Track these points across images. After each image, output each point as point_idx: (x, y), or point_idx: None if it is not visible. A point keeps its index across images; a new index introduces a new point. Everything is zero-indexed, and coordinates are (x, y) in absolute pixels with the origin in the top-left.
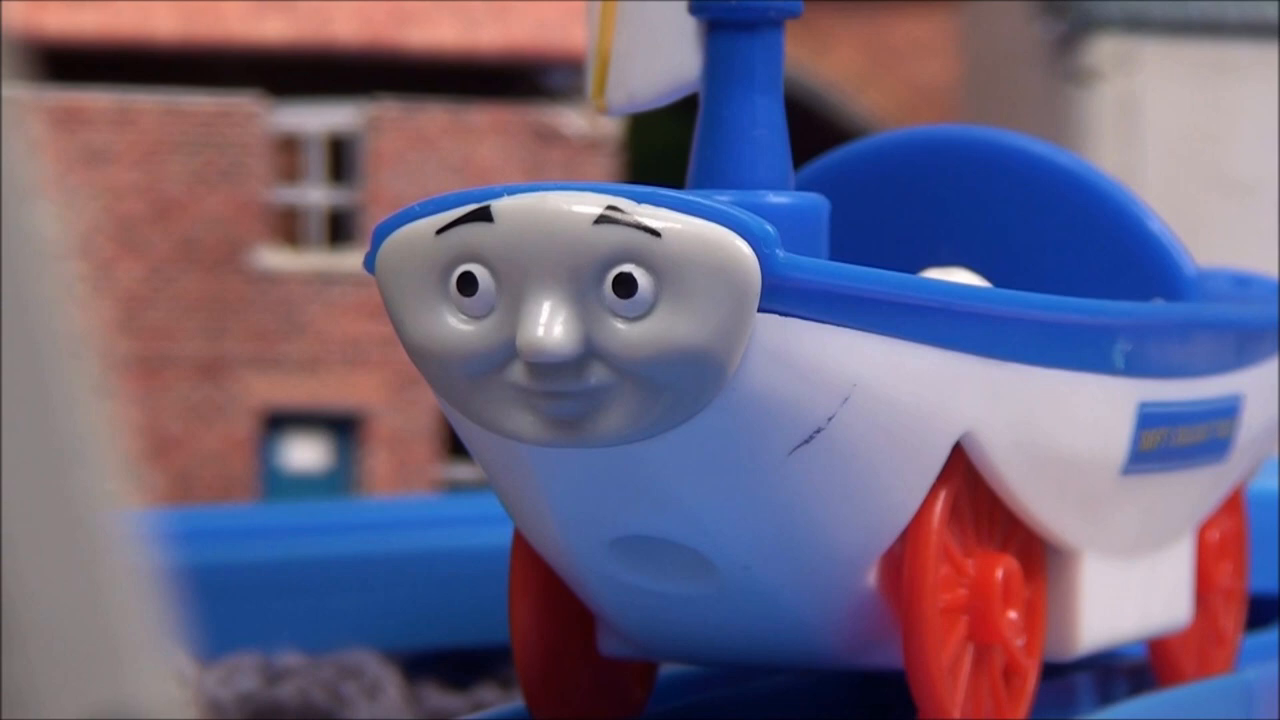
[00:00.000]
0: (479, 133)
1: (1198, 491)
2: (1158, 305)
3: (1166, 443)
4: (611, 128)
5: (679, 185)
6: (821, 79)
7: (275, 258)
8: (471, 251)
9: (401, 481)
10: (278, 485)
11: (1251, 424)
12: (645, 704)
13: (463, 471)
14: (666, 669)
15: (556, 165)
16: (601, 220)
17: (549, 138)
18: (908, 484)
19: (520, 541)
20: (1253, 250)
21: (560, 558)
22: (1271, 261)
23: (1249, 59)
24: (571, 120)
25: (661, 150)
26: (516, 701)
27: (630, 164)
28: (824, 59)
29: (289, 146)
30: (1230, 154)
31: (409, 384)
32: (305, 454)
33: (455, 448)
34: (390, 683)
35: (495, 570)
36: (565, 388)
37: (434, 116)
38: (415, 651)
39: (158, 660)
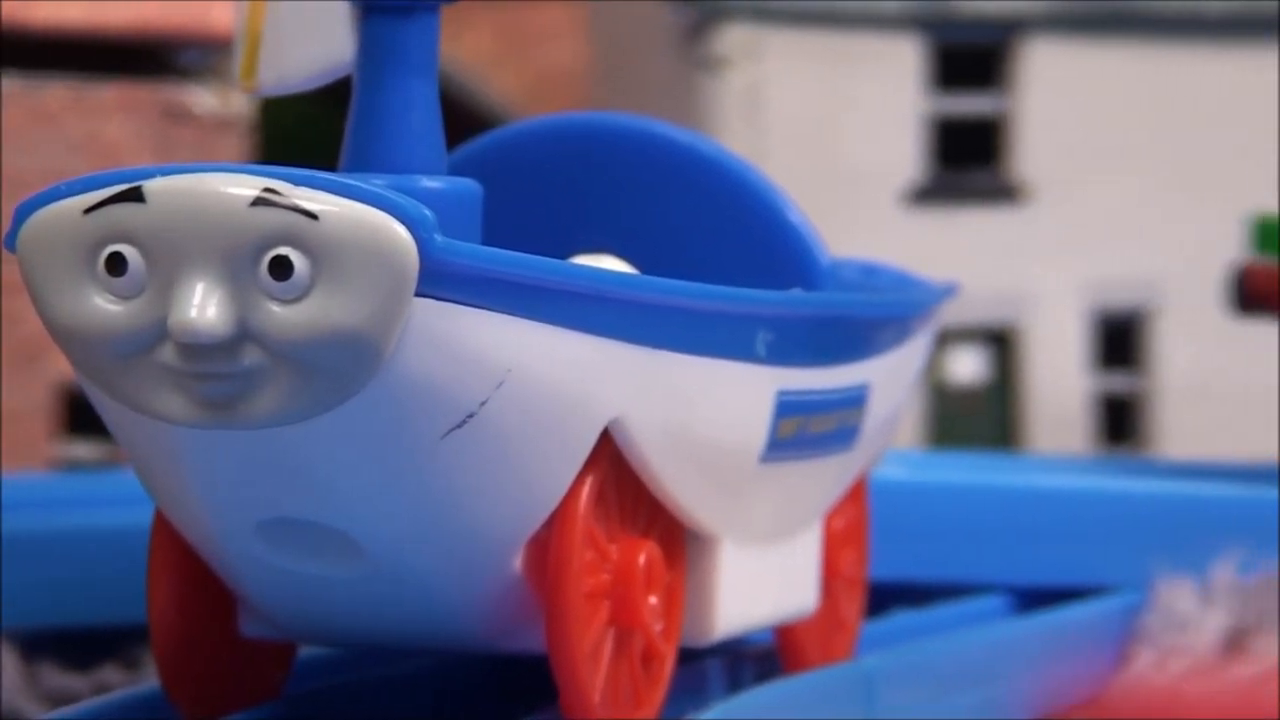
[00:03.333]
0: (105, 110)
1: (828, 480)
2: (797, 294)
3: (802, 431)
4: (243, 107)
5: (312, 164)
6: (454, 62)
7: None
8: (121, 231)
9: (17, 459)
10: None
11: (877, 413)
12: (283, 685)
13: (82, 450)
14: (306, 650)
15: (186, 144)
16: (258, 202)
17: (179, 116)
18: (557, 469)
19: (161, 522)
20: (870, 238)
21: (204, 539)
22: (886, 249)
23: (867, 50)
24: (203, 99)
25: (294, 129)
26: (145, 683)
27: (262, 143)
28: (457, 42)
29: None
30: (848, 143)
31: (26, 361)
32: None
33: (74, 426)
34: (8, 662)
35: (115, 550)
36: (217, 369)
37: (56, 93)
38: (33, 631)
39: None
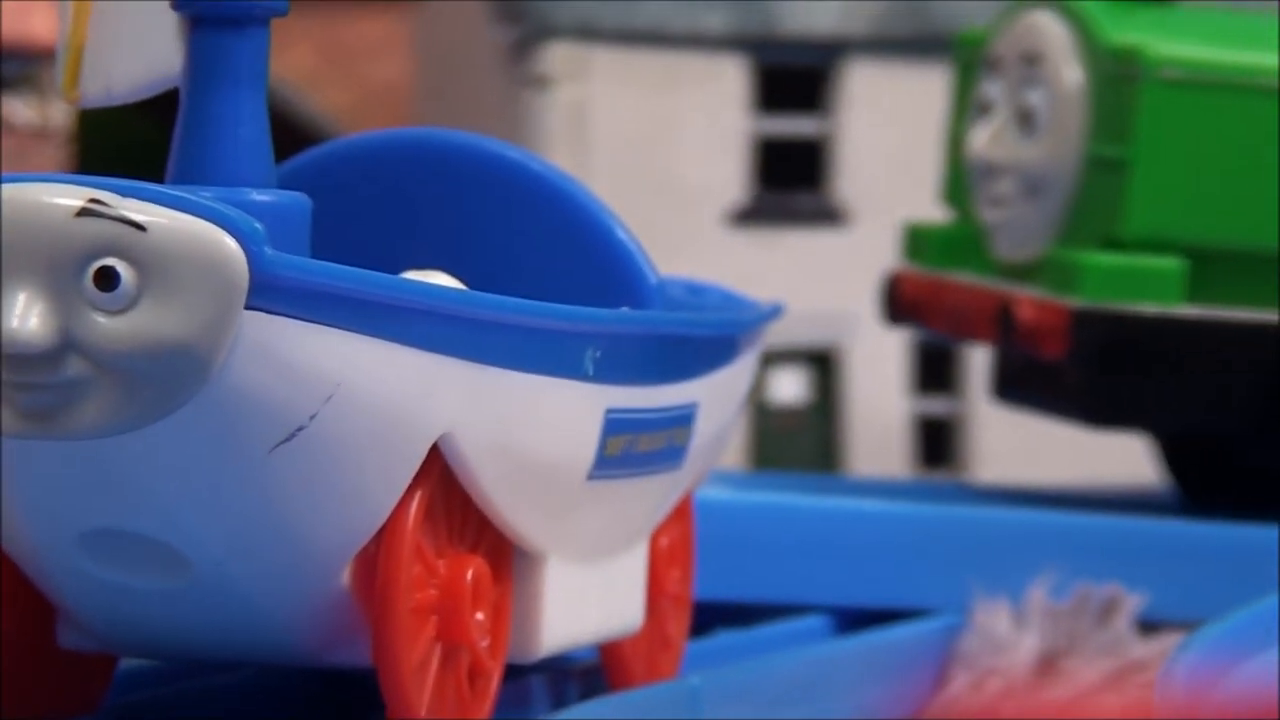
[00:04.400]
0: None
1: (655, 498)
2: (626, 313)
3: (630, 449)
4: (62, 118)
5: (131, 176)
6: (277, 76)
7: None
8: None
9: None
10: None
11: (704, 431)
12: (103, 698)
13: None
14: (126, 662)
15: (2, 155)
16: (84, 213)
17: None
18: (386, 484)
19: None
20: (694, 257)
21: (23, 549)
22: (710, 268)
23: (692, 69)
24: (20, 110)
25: (116, 142)
26: None
27: (81, 155)
28: (279, 57)
29: None
30: (673, 162)
31: None
32: None
33: None
34: None
35: None
36: (39, 380)
37: None
38: None
39: None
